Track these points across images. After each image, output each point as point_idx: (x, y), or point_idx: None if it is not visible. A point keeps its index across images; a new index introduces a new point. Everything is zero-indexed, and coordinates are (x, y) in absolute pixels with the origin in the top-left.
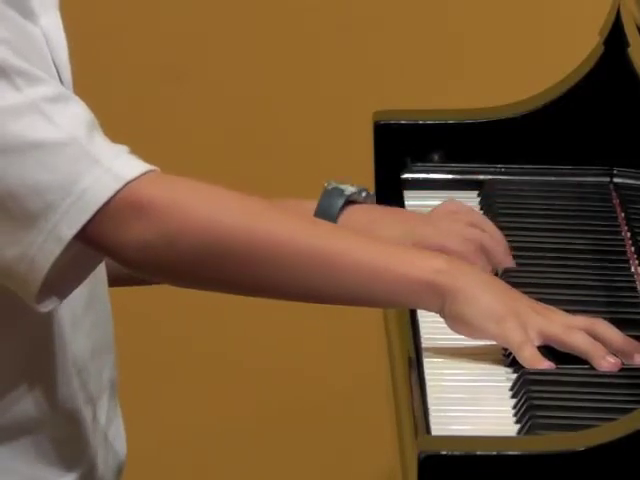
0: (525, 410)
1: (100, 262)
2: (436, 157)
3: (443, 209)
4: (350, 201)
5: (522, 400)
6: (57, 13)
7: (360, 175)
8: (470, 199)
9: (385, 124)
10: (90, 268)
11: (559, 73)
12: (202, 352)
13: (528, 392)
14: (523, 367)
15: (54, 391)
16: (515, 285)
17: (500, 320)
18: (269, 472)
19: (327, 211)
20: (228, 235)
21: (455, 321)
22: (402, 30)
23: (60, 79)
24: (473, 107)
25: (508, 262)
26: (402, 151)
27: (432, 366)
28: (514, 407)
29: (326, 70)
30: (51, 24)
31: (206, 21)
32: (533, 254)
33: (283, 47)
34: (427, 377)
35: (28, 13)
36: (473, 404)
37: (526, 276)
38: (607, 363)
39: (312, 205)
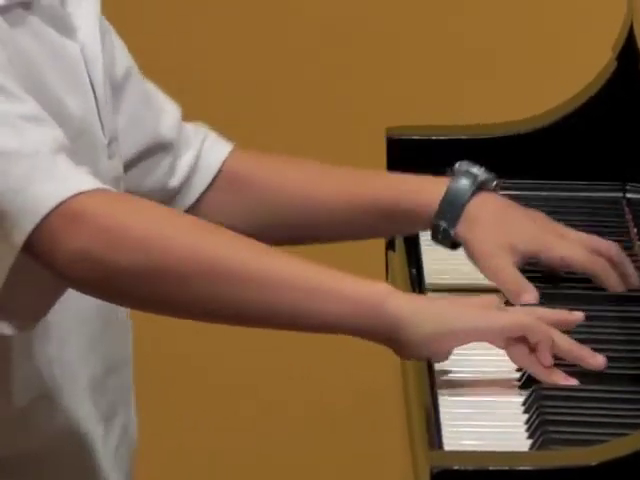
0: (537, 425)
1: (60, 291)
2: (449, 172)
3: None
4: (480, 187)
5: (534, 415)
6: (96, 29)
7: None
8: None
9: (398, 139)
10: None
11: (572, 89)
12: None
13: (540, 407)
14: (536, 383)
15: (64, 414)
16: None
17: (467, 318)
18: None
19: (458, 194)
20: (164, 251)
21: (435, 339)
22: (415, 46)
23: (94, 93)
24: (485, 123)
25: (635, 276)
26: (415, 166)
27: (444, 381)
28: (526, 422)
29: (339, 85)
30: (89, 40)
31: (212, 33)
32: (544, 269)
33: (294, 61)
34: (439, 392)
35: (67, 30)
36: (485, 419)
37: (539, 291)
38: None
39: (438, 184)
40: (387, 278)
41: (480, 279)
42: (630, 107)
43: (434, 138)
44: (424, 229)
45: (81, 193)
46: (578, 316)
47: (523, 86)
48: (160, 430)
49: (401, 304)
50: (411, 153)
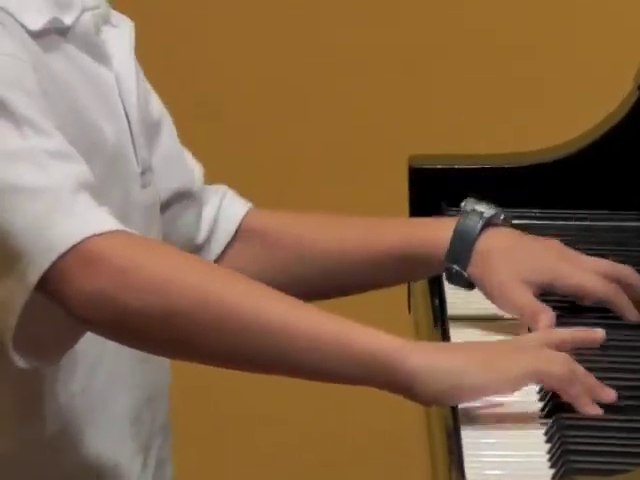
0: (559, 455)
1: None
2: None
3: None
4: (488, 223)
5: (557, 445)
6: (131, 58)
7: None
8: None
9: (420, 168)
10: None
11: (593, 119)
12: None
13: (562, 437)
14: (558, 412)
15: (97, 445)
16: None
17: (477, 374)
18: None
19: (466, 234)
20: (178, 295)
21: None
22: (438, 75)
23: (128, 120)
24: (508, 152)
25: None
26: (437, 195)
27: (466, 410)
28: (548, 452)
29: (362, 113)
30: (123, 69)
31: (245, 58)
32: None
33: (320, 87)
34: (462, 421)
35: (102, 57)
36: (507, 448)
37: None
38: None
39: (446, 226)
40: (409, 309)
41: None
42: None
43: (457, 167)
44: (440, 272)
45: (99, 234)
46: (600, 334)
47: (544, 115)
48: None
49: (414, 362)
50: (434, 182)
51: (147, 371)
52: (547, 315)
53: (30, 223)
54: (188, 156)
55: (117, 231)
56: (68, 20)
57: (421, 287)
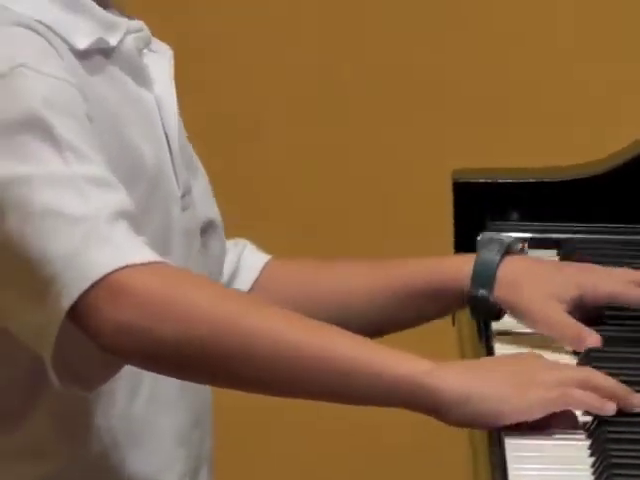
0: (603, 469)
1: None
2: (515, 215)
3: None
4: (508, 251)
5: (600, 459)
6: (171, 83)
7: (439, 233)
8: (549, 258)
9: (464, 182)
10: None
11: (631, 136)
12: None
13: (606, 450)
14: (601, 426)
15: (147, 467)
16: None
17: (509, 400)
18: None
19: (488, 261)
20: (211, 326)
21: (477, 420)
22: (479, 90)
23: (168, 144)
24: (552, 165)
25: None
26: (481, 210)
27: (514, 448)
28: (592, 466)
29: (405, 127)
30: (164, 92)
31: (281, 76)
32: (614, 313)
33: (360, 102)
34: (505, 433)
35: (144, 80)
36: (551, 462)
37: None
38: (609, 407)
39: (467, 259)
40: (453, 322)
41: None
42: None
43: (500, 181)
44: (462, 306)
45: (132, 266)
46: (638, 400)
47: (587, 129)
48: None
49: (439, 386)
50: (477, 196)
51: (191, 393)
52: (593, 339)
53: (65, 250)
54: (213, 204)
55: (150, 263)
56: (113, 41)
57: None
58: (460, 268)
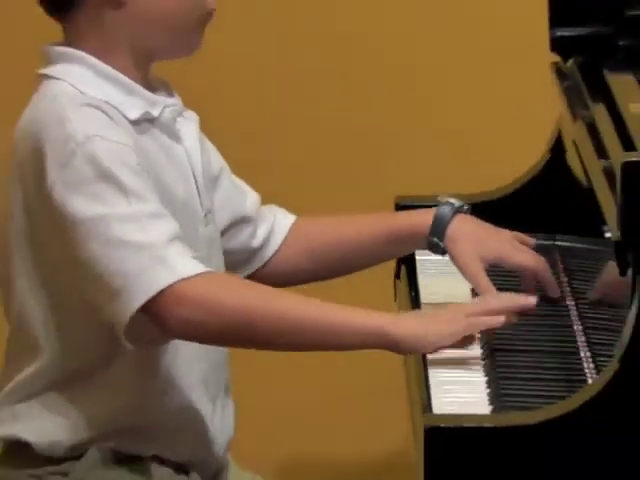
0: (496, 397)
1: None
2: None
3: (511, 234)
4: (457, 211)
5: (494, 391)
6: (196, 139)
7: None
8: None
9: (406, 205)
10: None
11: (521, 169)
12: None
13: (499, 386)
14: (495, 370)
15: (183, 398)
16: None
17: (440, 334)
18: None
19: (442, 218)
20: (245, 315)
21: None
22: (418, 123)
23: (195, 181)
24: (478, 191)
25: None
26: None
27: (435, 370)
28: (488, 395)
29: (352, 157)
30: (192, 146)
31: (289, 93)
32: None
33: (306, 128)
34: (430, 376)
35: (176, 138)
36: (461, 392)
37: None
38: (500, 320)
39: (428, 213)
40: (395, 297)
41: (452, 296)
42: (559, 181)
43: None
44: (423, 247)
45: (185, 278)
46: (531, 301)
47: (491, 163)
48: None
49: (398, 331)
50: None
51: (211, 352)
52: (490, 289)
53: (131, 270)
54: (244, 188)
55: (197, 274)
56: (155, 113)
57: (403, 283)
58: (424, 221)
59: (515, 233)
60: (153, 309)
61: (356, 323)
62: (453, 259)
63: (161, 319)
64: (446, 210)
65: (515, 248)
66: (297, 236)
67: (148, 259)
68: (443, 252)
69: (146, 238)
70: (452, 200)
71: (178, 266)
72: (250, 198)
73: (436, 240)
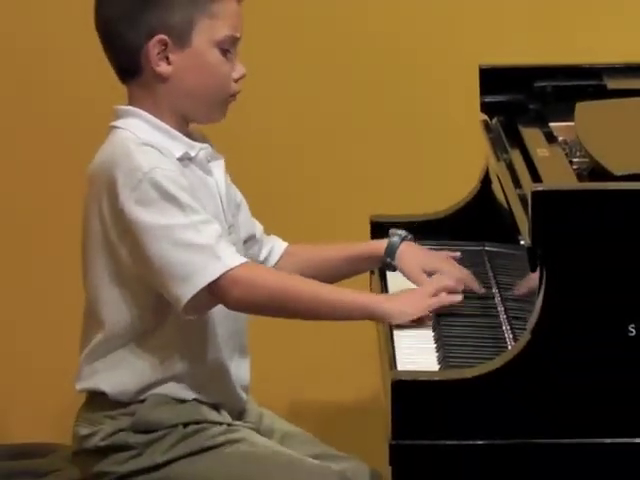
0: (442, 359)
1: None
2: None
3: (443, 253)
4: (404, 239)
5: (441, 355)
6: (223, 175)
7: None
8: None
9: (380, 222)
10: (211, 307)
11: (457, 198)
12: None
13: (445, 351)
14: (442, 339)
15: (216, 353)
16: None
17: (412, 309)
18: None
19: (393, 245)
20: (282, 294)
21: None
22: (388, 141)
23: (222, 203)
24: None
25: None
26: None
27: (399, 339)
28: (437, 357)
29: (328, 178)
30: (219, 179)
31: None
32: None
33: (285, 152)
34: (395, 343)
35: (209, 172)
36: (418, 354)
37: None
38: (457, 298)
39: (383, 243)
40: (370, 288)
41: (408, 285)
42: (486, 206)
43: (404, 221)
44: (379, 265)
45: (233, 267)
46: (465, 271)
47: (438, 191)
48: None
49: (384, 307)
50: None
51: (233, 317)
52: (429, 282)
53: (195, 266)
54: (254, 220)
55: (242, 264)
56: (192, 153)
57: (376, 279)
58: (380, 247)
59: (445, 252)
60: (213, 291)
61: (359, 302)
62: (402, 271)
63: (221, 298)
64: (396, 239)
65: (445, 262)
66: (289, 257)
67: (203, 256)
68: (394, 269)
69: (202, 240)
70: (399, 231)
71: (227, 259)
72: (258, 226)
73: (389, 260)
